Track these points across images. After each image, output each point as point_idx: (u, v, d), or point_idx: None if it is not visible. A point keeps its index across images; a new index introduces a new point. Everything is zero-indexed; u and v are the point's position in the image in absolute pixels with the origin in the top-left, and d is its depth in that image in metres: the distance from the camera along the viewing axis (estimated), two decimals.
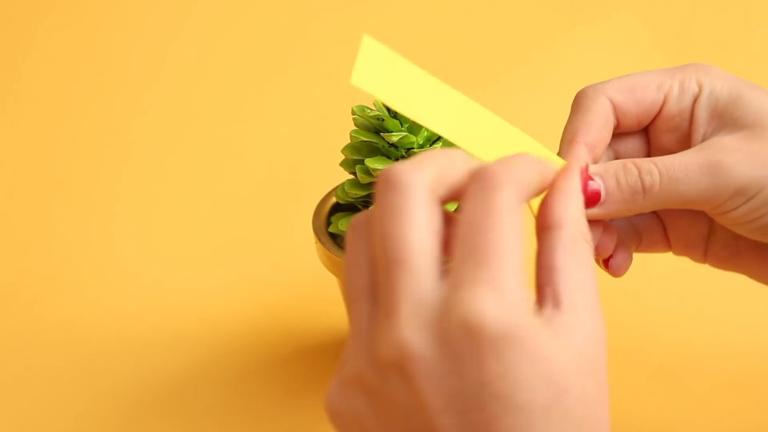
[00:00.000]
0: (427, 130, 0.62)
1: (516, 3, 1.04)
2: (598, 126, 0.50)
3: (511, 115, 0.93)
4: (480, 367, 0.38)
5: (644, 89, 0.50)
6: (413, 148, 0.62)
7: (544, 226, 0.42)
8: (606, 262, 0.51)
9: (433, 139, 0.63)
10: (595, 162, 0.50)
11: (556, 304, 0.40)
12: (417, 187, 0.39)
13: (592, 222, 0.48)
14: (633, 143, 0.52)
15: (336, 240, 0.65)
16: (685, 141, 0.51)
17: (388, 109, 0.62)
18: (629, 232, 0.53)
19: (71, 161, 0.89)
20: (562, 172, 0.44)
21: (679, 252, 0.54)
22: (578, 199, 0.43)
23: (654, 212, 0.53)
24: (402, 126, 0.62)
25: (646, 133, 0.52)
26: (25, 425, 0.68)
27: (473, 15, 1.04)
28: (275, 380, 0.69)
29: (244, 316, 0.74)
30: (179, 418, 0.67)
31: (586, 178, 0.48)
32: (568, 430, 0.38)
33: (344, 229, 0.64)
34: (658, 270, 0.76)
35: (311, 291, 0.75)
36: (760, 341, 0.70)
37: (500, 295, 0.37)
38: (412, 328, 0.38)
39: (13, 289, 0.78)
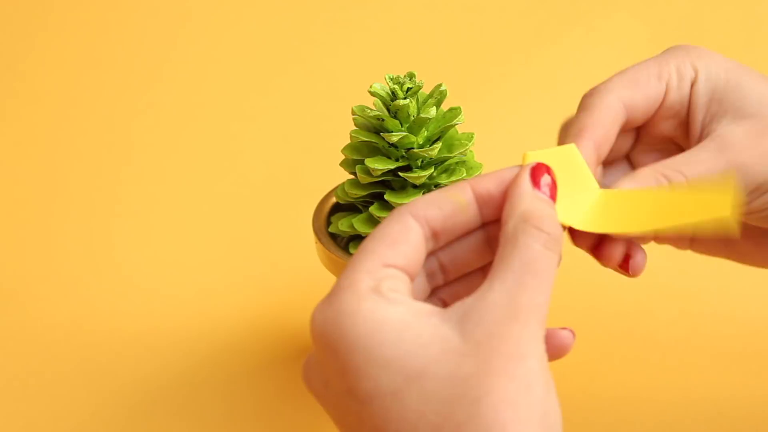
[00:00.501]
0: (426, 130, 0.62)
1: (517, 5, 1.04)
2: (606, 124, 0.49)
3: (513, 116, 0.93)
4: (330, 367, 0.40)
5: (647, 81, 0.50)
6: (413, 148, 0.62)
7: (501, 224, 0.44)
8: (624, 266, 0.50)
9: (433, 139, 0.63)
10: (599, 160, 0.50)
11: (478, 290, 0.41)
12: None
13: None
14: (623, 140, 0.52)
15: (336, 240, 0.65)
16: (682, 126, 0.51)
17: (388, 109, 0.62)
18: None
19: (71, 162, 0.89)
20: (514, 179, 0.45)
21: (663, 240, 0.54)
22: (521, 190, 0.44)
23: None
24: (402, 126, 0.62)
25: (636, 128, 0.52)
26: (25, 426, 0.68)
27: (475, 17, 1.04)
28: (275, 380, 0.69)
29: (244, 316, 0.74)
30: (179, 418, 0.67)
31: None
32: (432, 409, 0.39)
33: (344, 229, 0.64)
34: (658, 268, 0.76)
35: (311, 291, 0.75)
36: (761, 340, 0.70)
37: (327, 301, 0.41)
38: (308, 356, 0.43)
39: (13, 290, 0.78)
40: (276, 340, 0.72)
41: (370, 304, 0.40)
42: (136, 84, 0.97)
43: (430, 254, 0.45)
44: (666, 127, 0.51)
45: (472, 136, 0.63)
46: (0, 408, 0.69)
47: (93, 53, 1.01)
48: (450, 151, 0.62)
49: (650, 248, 0.78)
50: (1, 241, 0.82)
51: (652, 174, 0.48)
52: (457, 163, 0.64)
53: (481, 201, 0.45)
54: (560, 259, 0.43)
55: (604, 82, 0.51)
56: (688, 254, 0.78)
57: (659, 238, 0.54)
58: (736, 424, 0.65)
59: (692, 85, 0.50)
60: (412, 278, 0.43)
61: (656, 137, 0.52)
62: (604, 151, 0.50)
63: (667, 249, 0.78)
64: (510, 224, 0.43)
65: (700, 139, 0.50)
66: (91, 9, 1.04)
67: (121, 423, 0.67)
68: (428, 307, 0.41)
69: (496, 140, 0.85)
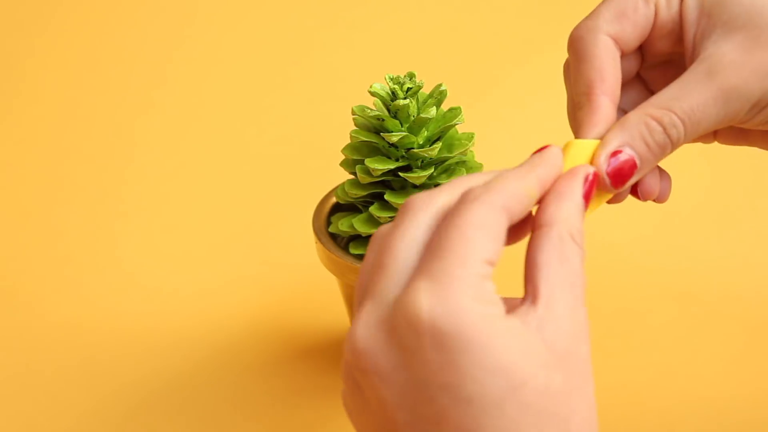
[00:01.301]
0: (426, 130, 0.62)
1: (517, 5, 1.04)
2: (610, 70, 0.49)
3: (513, 116, 0.93)
4: (422, 358, 0.39)
5: (634, 9, 0.49)
6: (413, 148, 0.62)
7: (536, 224, 0.43)
8: (634, 190, 0.50)
9: (433, 139, 0.63)
10: (616, 107, 0.49)
11: (534, 299, 0.41)
12: (424, 211, 0.42)
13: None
14: (629, 61, 0.51)
15: (336, 240, 0.65)
16: (678, 42, 0.50)
17: (388, 109, 0.62)
18: None
19: (72, 162, 0.89)
20: (567, 174, 0.44)
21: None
22: (574, 201, 0.43)
23: None
24: (402, 126, 0.62)
25: (639, 47, 0.51)
26: (25, 426, 0.68)
27: (475, 17, 1.04)
28: (275, 380, 0.69)
29: (244, 316, 0.74)
30: (179, 419, 0.67)
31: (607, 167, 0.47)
32: (528, 421, 0.39)
33: (344, 229, 0.64)
34: (658, 268, 0.76)
35: (311, 291, 0.75)
36: (761, 340, 0.70)
37: (440, 287, 0.39)
38: (364, 324, 0.40)
39: (13, 289, 0.78)
40: (276, 339, 0.72)
41: (484, 307, 0.39)
42: (138, 84, 0.97)
43: None
44: (665, 45, 0.50)
45: (472, 136, 0.63)
46: (0, 407, 0.69)
47: (95, 53, 1.01)
48: (450, 151, 0.62)
49: (650, 246, 0.78)
50: (4, 240, 0.82)
51: (641, 119, 0.47)
52: (457, 163, 0.64)
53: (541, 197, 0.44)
54: None
55: (590, 18, 0.50)
56: (688, 253, 0.78)
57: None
58: (736, 424, 0.65)
59: (681, 1, 0.49)
60: None
61: (659, 53, 0.51)
62: (618, 93, 0.49)
63: (668, 245, 0.78)
64: (555, 230, 0.42)
65: (693, 57, 0.49)
66: (94, 9, 1.04)
67: (122, 422, 0.67)
68: (506, 312, 0.40)
69: (496, 140, 0.85)
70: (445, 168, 0.63)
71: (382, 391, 0.40)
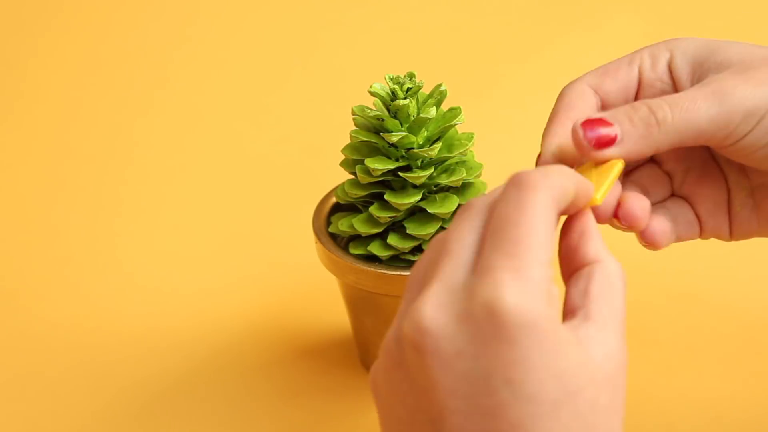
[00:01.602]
0: (426, 130, 0.62)
1: (517, 5, 1.04)
2: (579, 105, 0.50)
3: (513, 116, 0.93)
4: (495, 349, 0.39)
5: (616, 68, 0.51)
6: (413, 148, 0.62)
7: (580, 264, 0.44)
8: (643, 233, 0.51)
9: (433, 139, 0.63)
10: None
11: (586, 317, 0.41)
12: (484, 203, 0.43)
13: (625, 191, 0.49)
14: None
15: (336, 240, 0.65)
16: None
17: (388, 109, 0.62)
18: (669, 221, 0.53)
19: (73, 162, 0.89)
20: (578, 214, 0.45)
21: (708, 231, 0.54)
22: (601, 239, 0.45)
23: (680, 196, 0.54)
24: (402, 126, 0.62)
25: None
26: (25, 427, 0.68)
27: (475, 17, 1.04)
28: (275, 380, 0.69)
29: (244, 316, 0.74)
30: (179, 419, 0.67)
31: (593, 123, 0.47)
32: (578, 429, 0.39)
33: (344, 229, 0.64)
34: (658, 267, 0.76)
35: (311, 291, 0.75)
36: (761, 339, 0.70)
37: (523, 283, 0.39)
38: (433, 305, 0.40)
39: (13, 289, 0.78)
40: (276, 340, 0.72)
41: (552, 310, 0.40)
42: (138, 85, 0.97)
43: None
44: None
45: (472, 136, 0.63)
46: (0, 408, 0.69)
47: (96, 54, 1.01)
48: (450, 151, 0.62)
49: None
50: (4, 240, 0.82)
51: (629, 104, 0.48)
52: (457, 163, 0.64)
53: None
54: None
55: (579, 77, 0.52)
56: (688, 253, 0.78)
57: (704, 233, 0.54)
58: (736, 424, 0.65)
59: (669, 64, 0.51)
60: None
61: None
62: None
63: (667, 249, 0.78)
64: (606, 264, 0.43)
65: None
66: (94, 10, 1.04)
67: (122, 422, 0.67)
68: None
69: (496, 140, 0.85)
70: (445, 168, 0.63)
71: (436, 374, 0.39)
